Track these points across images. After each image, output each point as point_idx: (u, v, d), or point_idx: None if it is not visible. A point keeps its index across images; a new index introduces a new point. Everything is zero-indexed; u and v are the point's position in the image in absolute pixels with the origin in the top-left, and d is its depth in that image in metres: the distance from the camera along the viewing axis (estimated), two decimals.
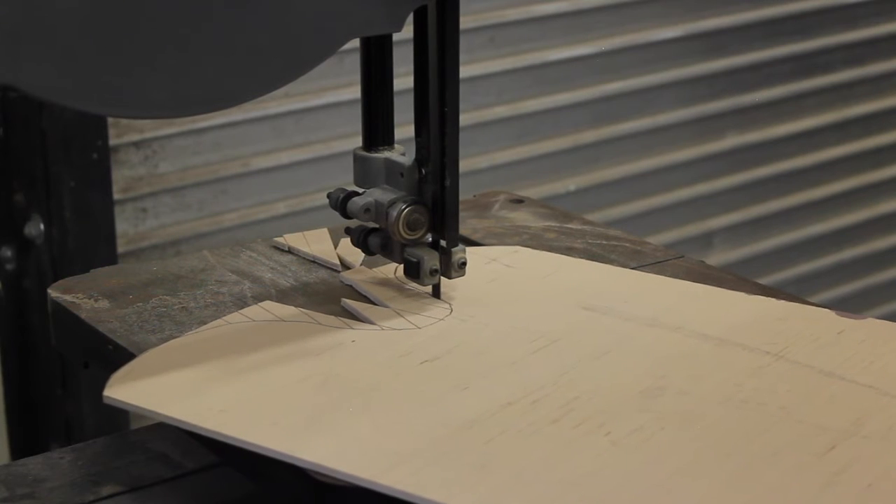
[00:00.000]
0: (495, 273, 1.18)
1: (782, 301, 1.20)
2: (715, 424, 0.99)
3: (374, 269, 1.21)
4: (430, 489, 0.89)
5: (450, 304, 1.15)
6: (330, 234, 1.29)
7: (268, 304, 1.14)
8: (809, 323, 1.15)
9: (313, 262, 1.24)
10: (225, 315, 1.13)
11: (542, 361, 1.07)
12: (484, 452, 0.94)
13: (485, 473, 0.91)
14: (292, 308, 1.13)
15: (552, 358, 1.07)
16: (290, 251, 1.27)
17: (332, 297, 1.17)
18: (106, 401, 0.99)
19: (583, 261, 1.27)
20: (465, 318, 1.13)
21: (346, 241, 1.23)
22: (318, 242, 1.27)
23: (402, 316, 1.12)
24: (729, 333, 1.13)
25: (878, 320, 1.16)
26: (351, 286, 1.19)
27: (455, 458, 0.93)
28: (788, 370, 1.08)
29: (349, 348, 1.07)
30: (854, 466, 0.93)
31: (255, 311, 1.13)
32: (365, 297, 1.17)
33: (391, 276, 1.20)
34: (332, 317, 1.12)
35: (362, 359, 1.06)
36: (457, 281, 1.14)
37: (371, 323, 1.11)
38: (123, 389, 1.00)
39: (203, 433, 0.96)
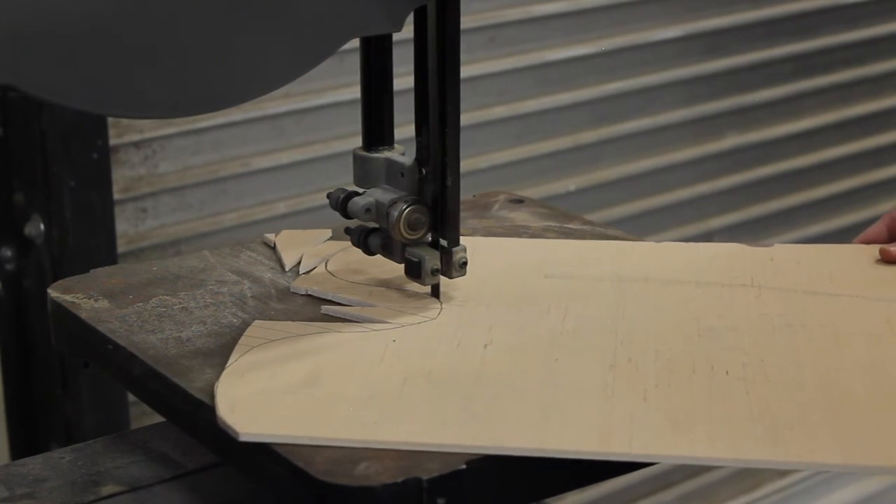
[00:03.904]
0: None
1: (692, 243, 1.23)
2: (796, 350, 1.01)
3: (313, 273, 1.20)
4: (668, 447, 0.89)
5: (426, 293, 1.14)
6: (332, 233, 1.29)
7: (259, 322, 1.11)
8: (738, 257, 1.18)
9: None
10: (224, 314, 1.13)
11: (582, 328, 1.07)
12: (655, 409, 0.94)
13: (683, 427, 0.91)
14: (290, 322, 1.11)
15: (586, 323, 1.07)
16: (273, 247, 1.27)
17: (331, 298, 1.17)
18: (244, 438, 0.94)
19: (484, 238, 1.27)
20: (462, 303, 1.13)
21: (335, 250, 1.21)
22: (295, 245, 1.25)
23: (407, 312, 1.12)
24: (692, 276, 1.14)
25: (784, 244, 1.20)
26: (309, 294, 1.17)
27: (646, 418, 0.93)
28: (781, 296, 1.10)
29: (399, 347, 1.06)
30: None
31: (263, 331, 1.09)
32: (330, 301, 1.15)
33: (329, 274, 1.18)
34: (338, 322, 1.11)
35: (426, 354, 1.04)
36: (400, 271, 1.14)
37: (383, 322, 1.10)
38: (257, 424, 0.95)
39: (378, 446, 0.92)
